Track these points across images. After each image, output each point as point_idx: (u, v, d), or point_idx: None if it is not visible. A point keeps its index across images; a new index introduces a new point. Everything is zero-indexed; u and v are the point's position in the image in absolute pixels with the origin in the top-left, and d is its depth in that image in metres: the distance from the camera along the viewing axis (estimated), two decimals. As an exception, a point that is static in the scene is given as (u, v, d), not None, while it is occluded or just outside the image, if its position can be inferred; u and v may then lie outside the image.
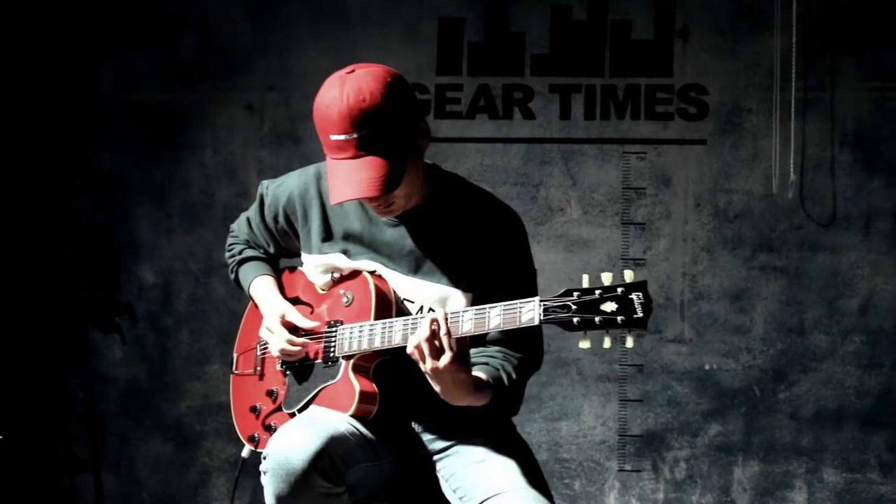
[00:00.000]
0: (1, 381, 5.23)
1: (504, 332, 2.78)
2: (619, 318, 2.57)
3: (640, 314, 2.56)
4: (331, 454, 2.76)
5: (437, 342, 2.70)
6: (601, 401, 5.13)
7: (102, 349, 5.38)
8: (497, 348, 2.91)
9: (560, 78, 5.17)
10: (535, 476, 2.92)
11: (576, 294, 2.61)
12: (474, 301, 2.89)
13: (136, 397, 5.36)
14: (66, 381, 5.35)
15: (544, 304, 2.63)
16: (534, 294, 2.85)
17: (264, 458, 2.80)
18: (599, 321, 2.58)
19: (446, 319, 2.71)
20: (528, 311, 2.65)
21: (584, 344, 2.62)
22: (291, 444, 2.75)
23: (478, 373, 2.83)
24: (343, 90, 2.77)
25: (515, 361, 2.91)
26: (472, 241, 2.93)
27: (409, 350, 2.74)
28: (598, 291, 2.59)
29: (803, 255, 5.07)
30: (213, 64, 5.34)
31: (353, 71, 2.82)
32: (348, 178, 2.79)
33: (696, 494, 5.09)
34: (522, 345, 2.92)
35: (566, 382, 5.14)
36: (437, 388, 2.75)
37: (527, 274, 2.99)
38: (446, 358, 2.69)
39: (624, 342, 2.61)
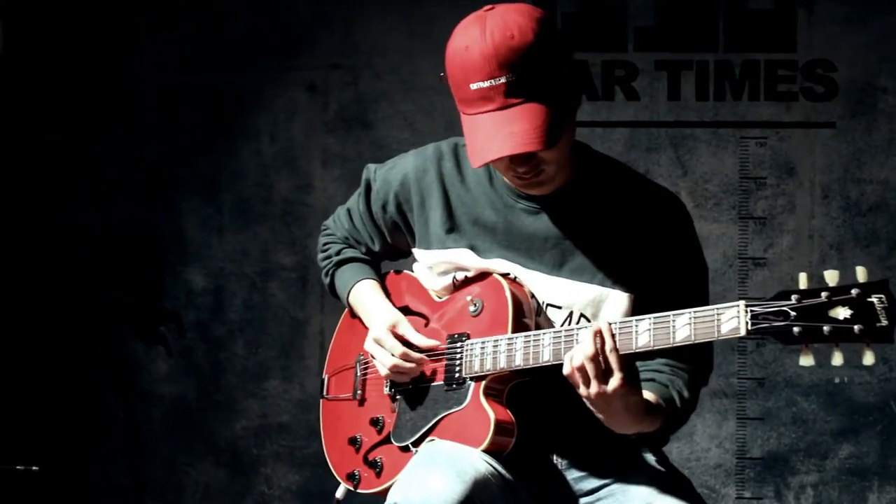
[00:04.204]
0: (31, 400, 5.17)
1: None
2: (856, 328, 2.26)
3: (884, 322, 2.24)
4: (475, 503, 2.48)
5: (602, 360, 2.41)
6: (716, 419, 4.97)
7: (145, 363, 5.25)
8: (662, 360, 2.65)
9: (668, 53, 5.02)
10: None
11: (794, 297, 2.29)
12: (635, 304, 2.64)
13: (183, 417, 5.24)
14: (104, 399, 5.23)
15: (752, 311, 2.30)
16: (704, 298, 2.68)
17: None
18: (829, 331, 2.30)
19: (612, 335, 2.42)
20: (730, 320, 2.32)
21: (807, 360, 2.37)
22: (429, 491, 2.44)
23: (646, 393, 2.54)
24: (486, 28, 2.52)
25: (686, 376, 2.65)
26: (632, 232, 2.67)
27: (566, 371, 2.44)
28: (824, 294, 2.28)
29: (947, 252, 4.96)
30: (270, 39, 5.20)
31: (492, 8, 2.59)
32: (497, 133, 2.51)
33: (825, 525, 5.04)
34: (691, 355, 2.63)
35: (676, 399, 4.91)
36: (599, 415, 2.47)
37: (699, 271, 2.75)
38: (616, 380, 2.41)
39: (861, 358, 2.32)
